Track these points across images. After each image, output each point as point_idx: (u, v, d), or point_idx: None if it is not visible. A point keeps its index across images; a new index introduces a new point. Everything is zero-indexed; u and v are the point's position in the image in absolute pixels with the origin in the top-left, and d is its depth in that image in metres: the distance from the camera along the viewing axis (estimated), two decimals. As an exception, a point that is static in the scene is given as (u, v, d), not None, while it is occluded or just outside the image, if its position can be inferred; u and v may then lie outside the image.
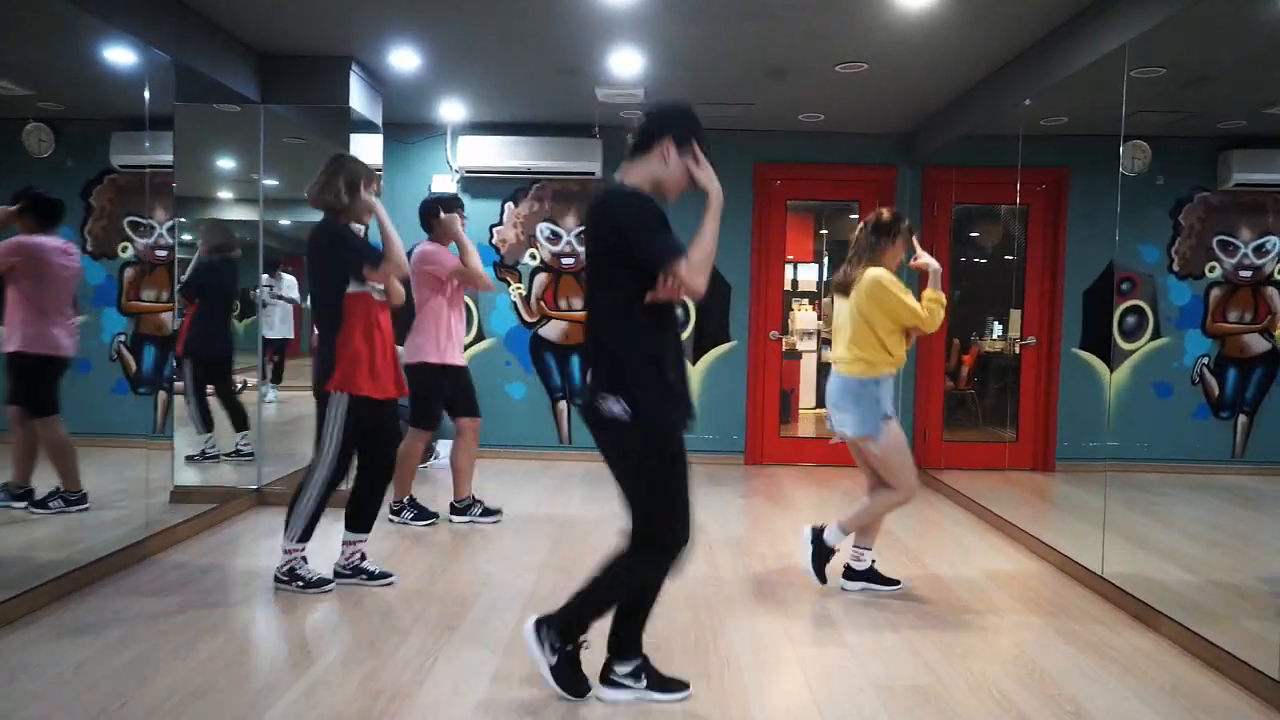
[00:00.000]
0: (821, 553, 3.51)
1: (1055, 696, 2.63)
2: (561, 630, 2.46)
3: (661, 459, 2.35)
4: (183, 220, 5.24)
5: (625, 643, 2.52)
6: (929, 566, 3.94)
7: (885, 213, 3.46)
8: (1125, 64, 3.55)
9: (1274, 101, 4.93)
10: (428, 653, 2.83)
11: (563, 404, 6.46)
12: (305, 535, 3.38)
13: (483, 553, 4.01)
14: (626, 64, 4.71)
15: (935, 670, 2.80)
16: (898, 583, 3.55)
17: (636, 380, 2.30)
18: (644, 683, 2.51)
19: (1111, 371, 5.90)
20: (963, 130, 5.32)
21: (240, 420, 5.05)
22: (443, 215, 4.25)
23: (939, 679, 2.73)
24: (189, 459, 4.95)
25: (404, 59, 4.72)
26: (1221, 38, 3.85)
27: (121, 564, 3.57)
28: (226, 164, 5.34)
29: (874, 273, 3.35)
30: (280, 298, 5.35)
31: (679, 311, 2.41)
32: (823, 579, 3.51)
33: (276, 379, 5.64)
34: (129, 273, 4.84)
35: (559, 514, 4.76)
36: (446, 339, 4.26)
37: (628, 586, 2.46)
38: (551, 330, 6.46)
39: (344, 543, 3.52)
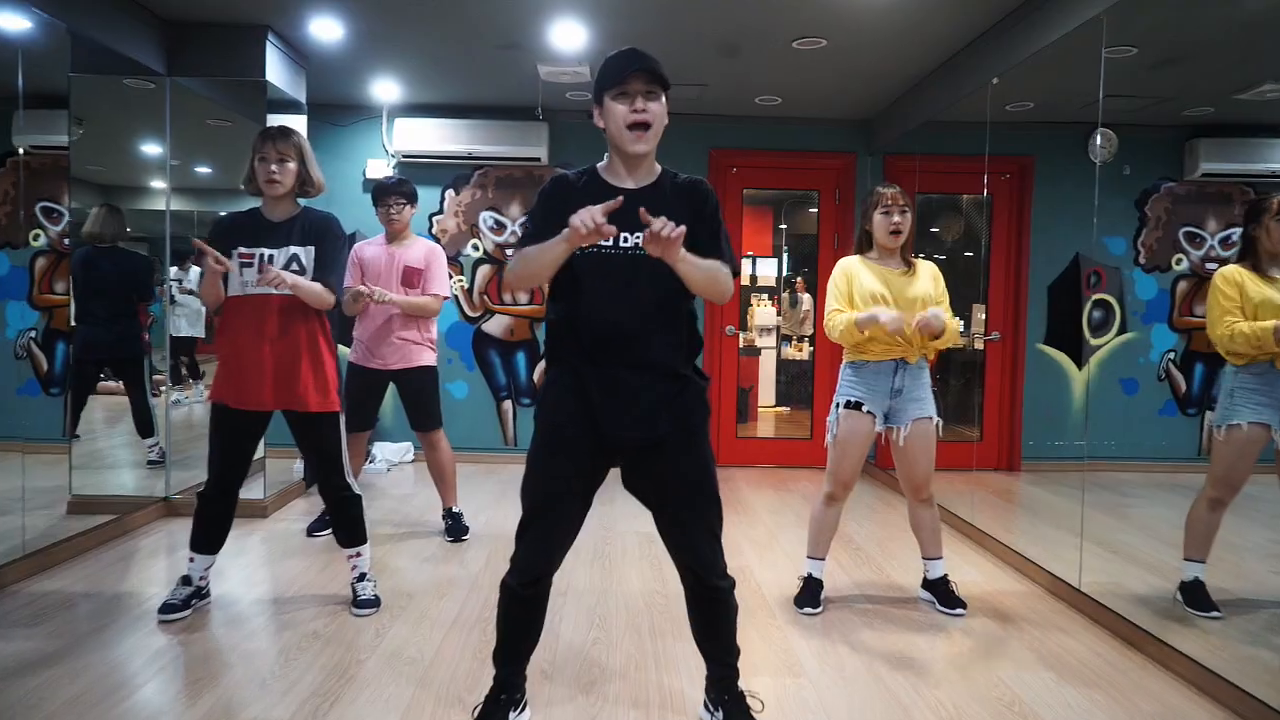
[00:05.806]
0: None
1: (1035, 730, 2.35)
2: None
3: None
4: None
5: None
6: (891, 576, 3.65)
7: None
8: (1102, 37, 3.28)
9: (1245, 87, 4.74)
10: (325, 695, 2.48)
11: (507, 404, 6.10)
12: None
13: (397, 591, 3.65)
14: (569, 38, 4.36)
15: (904, 703, 2.50)
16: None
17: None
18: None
19: (1080, 368, 5.69)
20: (925, 115, 5.06)
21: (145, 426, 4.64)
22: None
23: (909, 716, 2.43)
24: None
25: (326, 29, 4.33)
26: (1199, 10, 3.62)
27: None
28: (154, 150, 4.93)
29: None
30: (191, 293, 4.91)
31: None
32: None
33: (183, 379, 5.20)
34: (40, 263, 4.45)
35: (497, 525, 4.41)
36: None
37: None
38: (495, 325, 6.08)
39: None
